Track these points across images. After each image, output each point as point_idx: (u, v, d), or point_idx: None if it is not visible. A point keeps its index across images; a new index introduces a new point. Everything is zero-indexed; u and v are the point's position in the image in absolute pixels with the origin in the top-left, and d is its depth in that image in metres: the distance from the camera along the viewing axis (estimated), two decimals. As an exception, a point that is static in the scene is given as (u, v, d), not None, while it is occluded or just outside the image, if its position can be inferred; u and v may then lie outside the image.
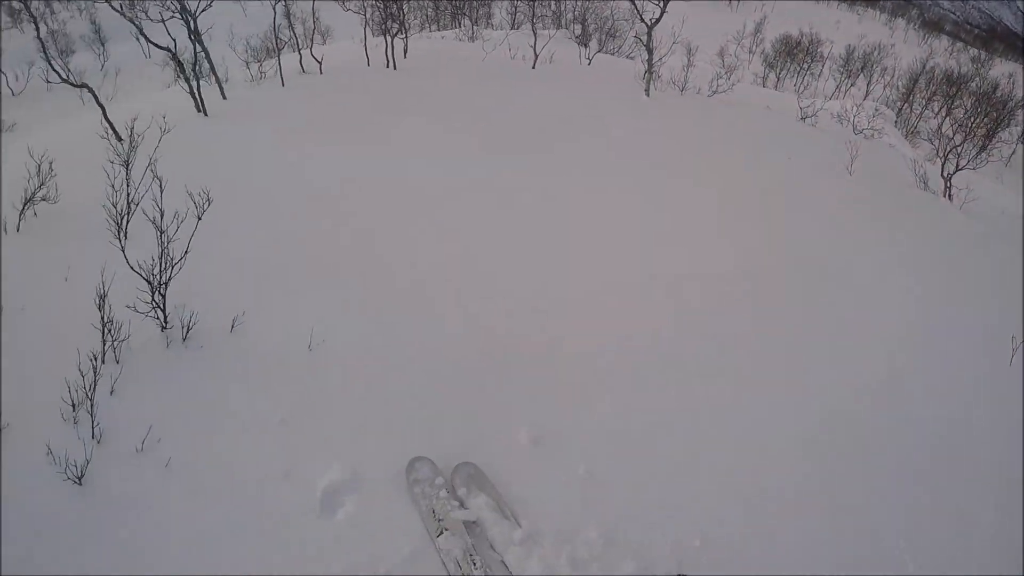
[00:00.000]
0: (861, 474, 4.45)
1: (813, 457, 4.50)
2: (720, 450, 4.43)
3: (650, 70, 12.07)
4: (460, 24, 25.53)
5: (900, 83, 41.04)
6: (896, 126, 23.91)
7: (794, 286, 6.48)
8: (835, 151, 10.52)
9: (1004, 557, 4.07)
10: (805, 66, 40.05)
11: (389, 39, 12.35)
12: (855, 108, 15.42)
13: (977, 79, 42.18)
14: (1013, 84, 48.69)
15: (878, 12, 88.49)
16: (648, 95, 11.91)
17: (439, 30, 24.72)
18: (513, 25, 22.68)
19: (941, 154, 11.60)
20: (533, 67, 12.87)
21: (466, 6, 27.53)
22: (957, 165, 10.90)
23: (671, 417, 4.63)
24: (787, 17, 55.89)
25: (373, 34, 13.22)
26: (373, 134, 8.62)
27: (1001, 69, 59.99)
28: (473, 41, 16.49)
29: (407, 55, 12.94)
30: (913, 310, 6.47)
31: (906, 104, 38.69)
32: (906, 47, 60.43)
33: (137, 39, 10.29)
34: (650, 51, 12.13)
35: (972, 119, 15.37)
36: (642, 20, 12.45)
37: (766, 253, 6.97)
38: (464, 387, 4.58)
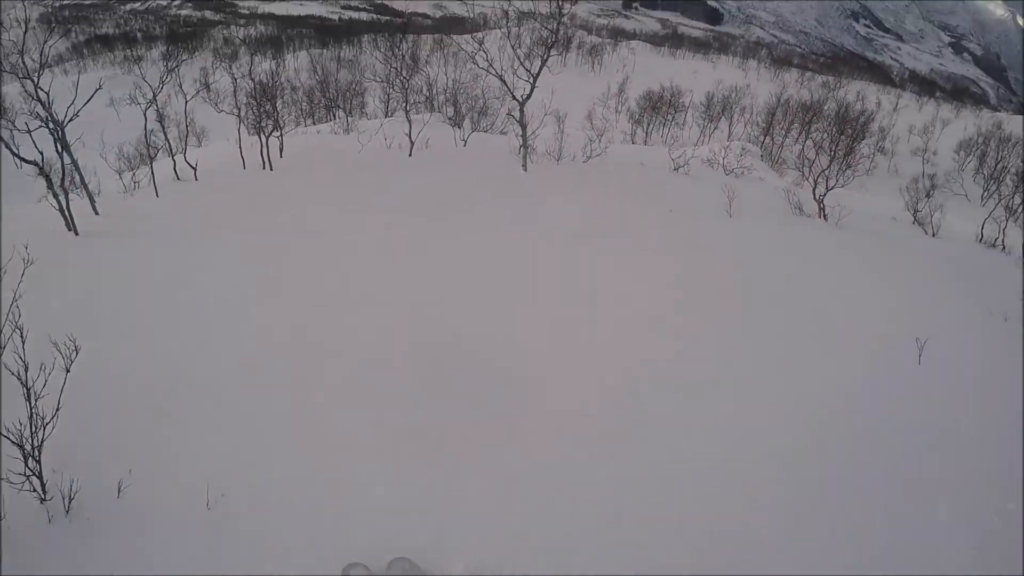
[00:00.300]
0: (848, 491, 4.60)
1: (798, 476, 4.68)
2: (708, 468, 4.56)
3: (525, 144, 12.27)
4: (335, 116, 25.57)
5: (760, 119, 44.46)
6: (762, 159, 25.54)
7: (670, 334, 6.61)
8: (712, 195, 10.97)
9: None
10: (670, 118, 42.44)
11: (264, 139, 12.07)
12: (723, 150, 16.30)
13: (830, 101, 46.23)
14: (863, 100, 53.90)
15: (731, 56, 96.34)
16: (526, 169, 12.06)
17: (314, 123, 24.66)
18: (387, 113, 22.91)
19: (810, 179, 12.40)
20: (410, 155, 12.84)
21: (339, 98, 27.67)
22: (827, 186, 11.66)
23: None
24: (647, 74, 59.70)
25: (249, 133, 12.90)
26: (248, 239, 8.24)
27: (850, 88, 66.45)
28: (348, 133, 16.43)
29: (283, 153, 12.68)
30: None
31: (768, 137, 41.74)
32: (760, 84, 65.81)
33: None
34: (523, 126, 12.36)
35: (832, 140, 16.78)
36: (513, 97, 12.71)
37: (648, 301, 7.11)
38: (392, 479, 4.42)
